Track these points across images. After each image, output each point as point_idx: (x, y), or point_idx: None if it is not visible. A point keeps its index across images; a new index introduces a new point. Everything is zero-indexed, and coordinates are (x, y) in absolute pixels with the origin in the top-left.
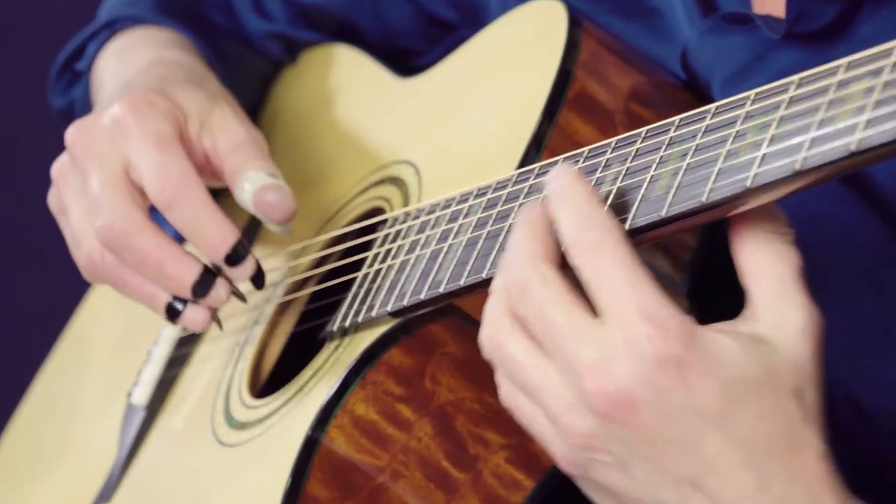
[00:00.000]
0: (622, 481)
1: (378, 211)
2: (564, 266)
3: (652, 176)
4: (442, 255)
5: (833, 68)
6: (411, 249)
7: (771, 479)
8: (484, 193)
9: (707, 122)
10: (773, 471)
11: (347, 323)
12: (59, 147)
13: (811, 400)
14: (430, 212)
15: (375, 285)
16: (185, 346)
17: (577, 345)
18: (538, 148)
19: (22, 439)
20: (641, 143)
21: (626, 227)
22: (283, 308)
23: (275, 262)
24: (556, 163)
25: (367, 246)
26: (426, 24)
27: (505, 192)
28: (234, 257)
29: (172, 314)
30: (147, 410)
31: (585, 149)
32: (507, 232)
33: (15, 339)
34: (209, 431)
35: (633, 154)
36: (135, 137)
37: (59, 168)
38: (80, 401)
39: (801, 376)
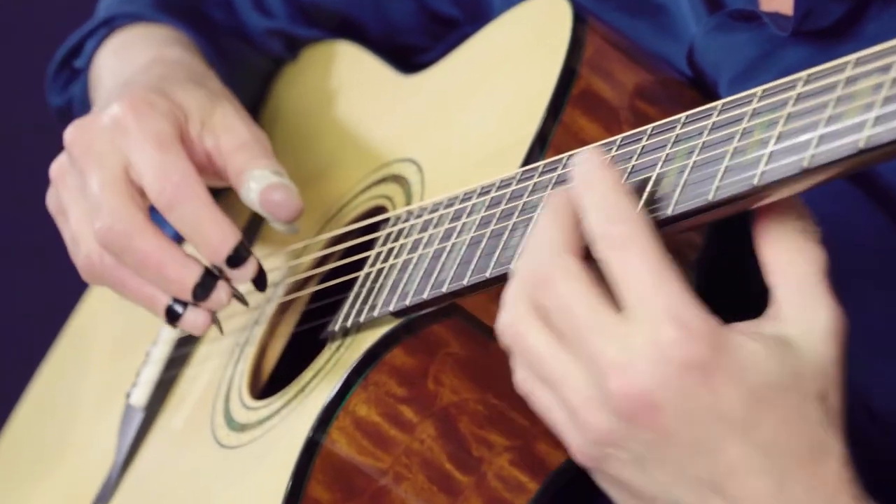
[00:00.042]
0: (638, 478)
1: (380, 209)
2: (588, 257)
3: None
4: (445, 255)
5: (841, 65)
6: (414, 248)
7: (791, 484)
8: (487, 192)
9: (713, 119)
10: (793, 476)
11: (349, 323)
12: (59, 147)
13: (833, 403)
14: (433, 210)
15: (377, 285)
16: (185, 347)
17: (601, 342)
18: (542, 146)
19: (21, 440)
20: (647, 140)
21: None
22: (283, 308)
23: (275, 262)
24: (558, 161)
25: (369, 245)
26: (428, 21)
27: (509, 190)
28: (236, 259)
29: (172, 317)
30: (146, 411)
31: (590, 146)
32: (511, 231)
33: (14, 339)
34: (209, 433)
35: (638, 152)
36: (135, 137)
37: (58, 168)
38: (79, 401)
39: (825, 380)
